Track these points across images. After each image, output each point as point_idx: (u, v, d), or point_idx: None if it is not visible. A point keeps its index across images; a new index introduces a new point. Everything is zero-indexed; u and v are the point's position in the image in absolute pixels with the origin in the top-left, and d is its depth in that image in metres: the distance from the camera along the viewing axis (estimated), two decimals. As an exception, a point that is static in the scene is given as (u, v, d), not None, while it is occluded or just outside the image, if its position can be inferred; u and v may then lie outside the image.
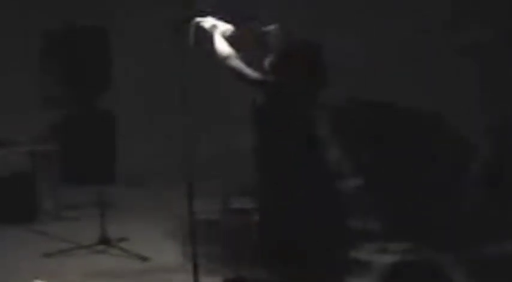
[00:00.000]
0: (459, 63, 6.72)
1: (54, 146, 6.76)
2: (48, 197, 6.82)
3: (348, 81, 6.39)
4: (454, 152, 6.12)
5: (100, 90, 7.21)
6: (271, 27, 4.08)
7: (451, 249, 5.33)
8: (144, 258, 5.43)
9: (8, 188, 6.67)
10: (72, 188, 7.01)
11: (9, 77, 7.38)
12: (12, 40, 7.47)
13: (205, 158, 6.24)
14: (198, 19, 4.22)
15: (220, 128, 7.27)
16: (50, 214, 6.79)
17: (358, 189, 5.88)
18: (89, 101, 7.35)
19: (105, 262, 5.48)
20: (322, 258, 3.95)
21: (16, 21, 7.48)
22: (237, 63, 4.00)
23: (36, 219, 6.66)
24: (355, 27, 7.01)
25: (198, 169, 4.41)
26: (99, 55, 7.26)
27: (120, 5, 7.70)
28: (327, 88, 4.03)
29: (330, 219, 3.99)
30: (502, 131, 6.41)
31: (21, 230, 6.38)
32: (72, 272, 5.18)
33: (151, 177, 7.59)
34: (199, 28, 4.18)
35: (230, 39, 4.12)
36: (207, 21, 4.20)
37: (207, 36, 4.18)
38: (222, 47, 4.05)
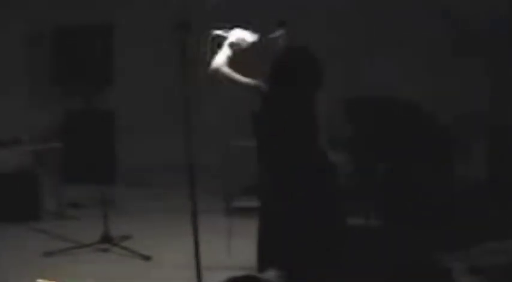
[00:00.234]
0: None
1: (57, 145, 6.75)
2: (51, 195, 6.81)
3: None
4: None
5: (102, 89, 7.22)
6: (278, 33, 4.05)
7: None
8: (146, 257, 5.42)
9: (10, 187, 6.66)
10: (75, 187, 7.01)
11: (10, 76, 7.38)
12: (13, 40, 7.47)
13: (208, 157, 6.24)
14: (217, 31, 4.16)
15: (221, 127, 7.27)
16: (52, 213, 6.78)
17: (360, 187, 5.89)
18: (92, 100, 7.35)
19: (108, 261, 5.48)
20: (323, 258, 3.95)
21: (17, 19, 7.48)
22: (226, 70, 3.98)
23: (39, 218, 6.64)
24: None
25: (200, 168, 4.41)
26: (101, 54, 7.27)
27: (123, 3, 7.69)
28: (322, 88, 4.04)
29: (330, 220, 3.98)
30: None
31: (24, 228, 6.38)
32: (75, 270, 5.18)
33: (153, 176, 7.58)
34: (217, 41, 4.12)
35: (239, 53, 4.08)
36: (227, 35, 4.14)
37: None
38: (216, 59, 4.03)
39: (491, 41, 6.88)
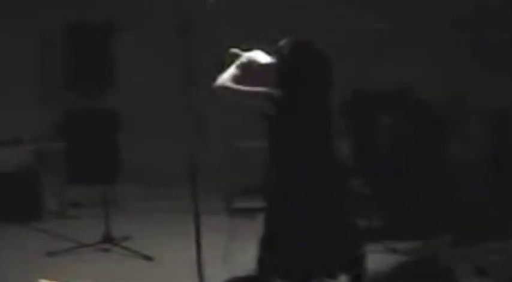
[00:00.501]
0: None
1: (59, 145, 6.75)
2: (53, 195, 6.82)
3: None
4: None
5: (105, 88, 7.21)
6: (284, 41, 4.03)
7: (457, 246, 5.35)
8: (148, 257, 5.43)
9: (12, 187, 6.67)
10: (77, 187, 7.01)
11: (13, 76, 7.38)
12: (15, 39, 7.47)
13: (210, 157, 6.25)
14: (234, 50, 4.15)
15: (224, 127, 7.27)
16: (54, 213, 6.79)
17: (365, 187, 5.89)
18: (94, 100, 7.35)
19: (109, 261, 5.48)
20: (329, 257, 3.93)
21: (20, 19, 7.48)
22: (230, 84, 3.95)
23: (40, 217, 6.65)
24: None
25: (202, 168, 4.42)
26: (104, 53, 7.27)
27: (126, 3, 7.69)
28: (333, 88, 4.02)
29: (337, 219, 3.96)
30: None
31: (26, 228, 6.39)
32: (76, 270, 5.18)
33: (155, 176, 7.59)
34: (233, 58, 4.10)
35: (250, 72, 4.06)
36: (242, 54, 4.12)
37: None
38: (221, 77, 4.01)
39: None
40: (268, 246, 3.95)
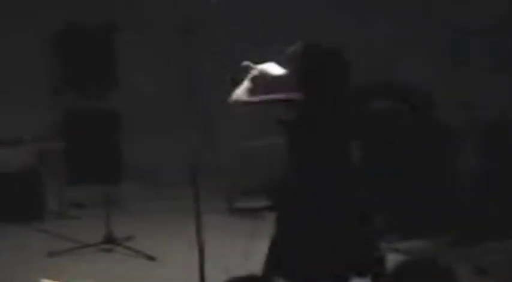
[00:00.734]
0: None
1: (60, 145, 6.76)
2: (54, 195, 6.83)
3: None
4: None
5: (107, 88, 7.22)
6: (298, 45, 4.04)
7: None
8: (150, 257, 5.44)
9: (13, 187, 6.67)
10: (78, 187, 7.02)
11: (14, 75, 7.39)
12: (16, 39, 7.48)
13: (212, 157, 6.26)
14: (246, 62, 4.16)
15: (226, 127, 7.27)
16: (55, 213, 6.80)
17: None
18: (96, 100, 7.36)
19: (111, 261, 5.50)
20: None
21: (22, 19, 7.48)
22: (246, 97, 3.99)
23: (42, 218, 6.66)
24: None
25: (203, 168, 4.43)
26: (105, 53, 7.27)
27: (127, 3, 7.70)
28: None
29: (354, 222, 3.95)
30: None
31: (27, 228, 6.40)
32: (78, 271, 5.19)
33: (157, 176, 7.59)
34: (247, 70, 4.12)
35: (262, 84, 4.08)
36: (255, 67, 4.14)
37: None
38: (235, 91, 4.04)
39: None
40: (279, 247, 3.93)
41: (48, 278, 4.92)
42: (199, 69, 4.49)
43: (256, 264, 4.48)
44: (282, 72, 4.04)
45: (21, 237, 6.21)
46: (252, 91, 4.01)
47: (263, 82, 4.03)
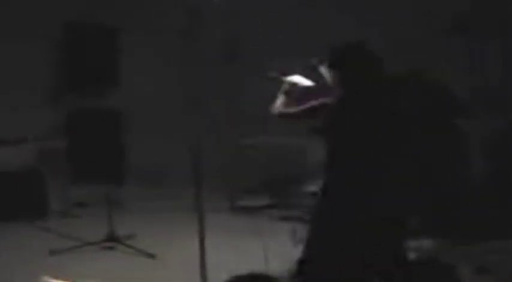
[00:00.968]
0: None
1: (63, 144, 6.78)
2: (56, 195, 6.84)
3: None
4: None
5: (109, 88, 7.23)
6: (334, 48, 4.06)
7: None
8: (151, 256, 5.46)
9: (16, 186, 6.69)
10: (81, 186, 7.03)
11: (16, 75, 7.41)
12: (19, 39, 7.50)
13: (214, 157, 6.27)
14: (272, 74, 4.25)
15: (229, 127, 7.29)
16: (58, 212, 6.82)
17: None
18: (99, 99, 7.37)
19: (113, 259, 5.51)
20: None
21: (23, 19, 7.50)
22: (285, 110, 4.09)
23: (45, 217, 6.68)
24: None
25: (206, 167, 4.45)
26: (106, 53, 7.28)
27: (127, 3, 7.72)
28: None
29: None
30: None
31: (30, 227, 6.41)
32: (80, 269, 5.20)
33: (159, 175, 7.62)
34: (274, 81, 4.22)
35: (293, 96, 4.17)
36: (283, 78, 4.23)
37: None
38: (274, 105, 4.16)
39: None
40: (313, 248, 3.93)
41: (50, 276, 4.92)
42: (199, 69, 4.51)
43: (258, 262, 4.54)
44: (310, 83, 4.15)
45: (24, 235, 6.23)
46: (288, 104, 4.14)
47: (295, 94, 4.16)
